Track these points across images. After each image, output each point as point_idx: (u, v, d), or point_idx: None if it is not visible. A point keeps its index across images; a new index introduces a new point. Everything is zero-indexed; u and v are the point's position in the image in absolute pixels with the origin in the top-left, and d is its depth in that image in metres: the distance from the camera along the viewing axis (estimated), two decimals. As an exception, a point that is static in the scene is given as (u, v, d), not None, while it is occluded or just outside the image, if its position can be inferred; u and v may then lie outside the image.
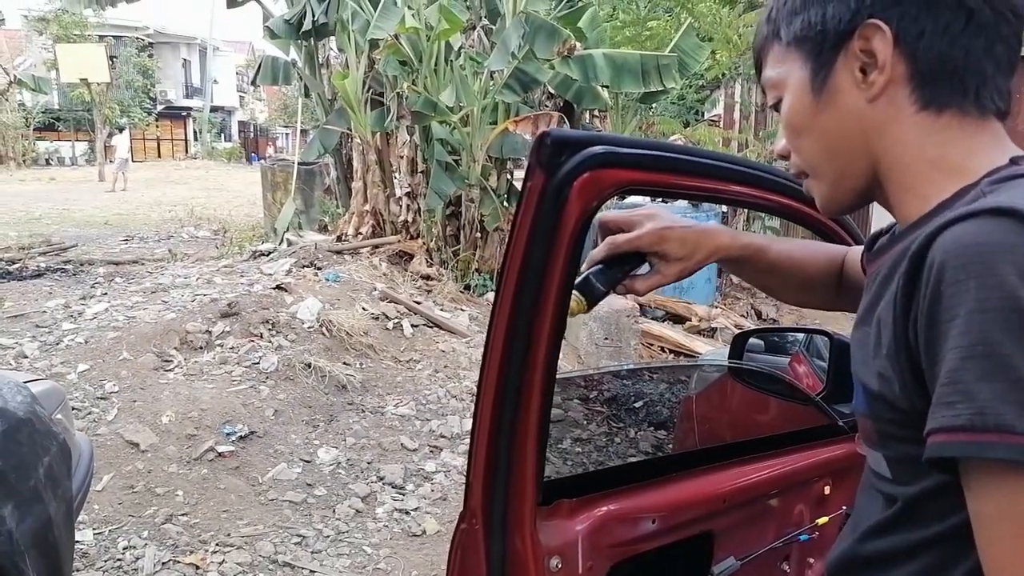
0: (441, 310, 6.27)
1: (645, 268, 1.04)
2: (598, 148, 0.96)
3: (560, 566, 1.16)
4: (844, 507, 1.70)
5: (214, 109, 38.13)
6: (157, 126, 34.36)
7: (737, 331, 5.52)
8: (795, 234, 9.10)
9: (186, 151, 35.79)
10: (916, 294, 0.68)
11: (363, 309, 5.66)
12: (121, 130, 22.33)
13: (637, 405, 5.21)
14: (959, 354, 0.63)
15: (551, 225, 0.96)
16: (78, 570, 2.86)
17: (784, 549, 1.59)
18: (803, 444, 1.66)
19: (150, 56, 32.55)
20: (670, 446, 4.07)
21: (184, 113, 36.59)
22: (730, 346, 2.00)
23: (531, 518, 1.12)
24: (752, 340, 2.24)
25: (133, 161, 23.44)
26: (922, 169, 0.79)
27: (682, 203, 7.68)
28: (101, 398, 4.10)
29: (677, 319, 7.07)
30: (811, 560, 1.67)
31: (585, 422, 4.82)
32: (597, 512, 1.22)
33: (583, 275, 1.05)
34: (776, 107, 0.87)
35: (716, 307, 7.48)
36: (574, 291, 1.03)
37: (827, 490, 1.67)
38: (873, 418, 0.79)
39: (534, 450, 1.09)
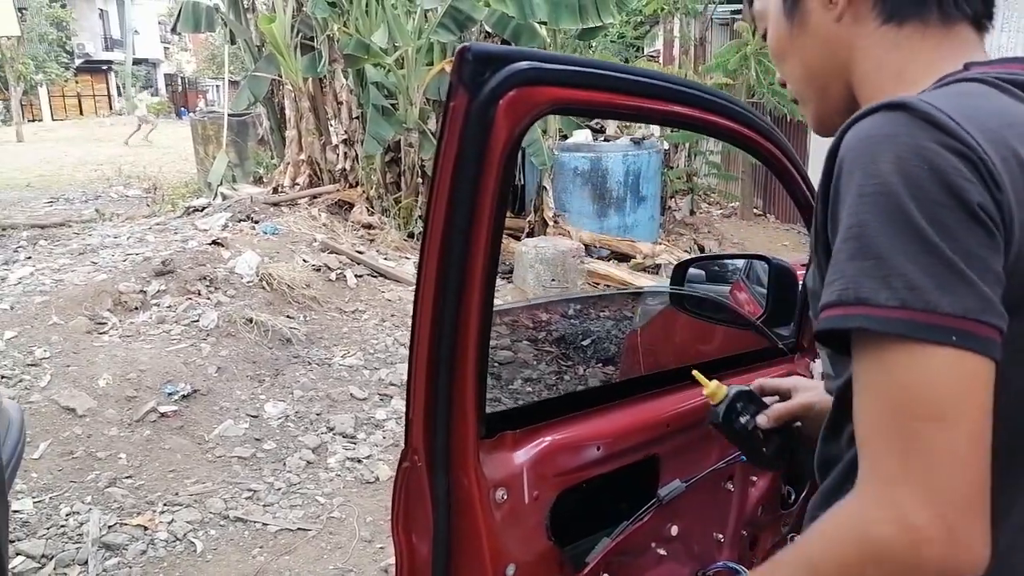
0: (385, 259, 6.18)
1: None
2: (523, 64, 0.91)
3: (506, 497, 1.15)
4: (784, 425, 1.74)
5: (137, 62, 36.29)
6: (77, 82, 32.65)
7: (680, 266, 5.58)
8: (736, 167, 9.19)
9: (110, 107, 34.14)
10: (830, 189, 0.70)
11: (304, 261, 5.54)
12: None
13: (585, 343, 5.27)
14: (840, 237, 0.67)
15: (479, 148, 0.90)
16: (19, 539, 2.78)
17: (728, 469, 1.62)
18: (743, 367, 1.68)
19: (63, 6, 30.64)
20: (616, 379, 4.13)
21: (105, 67, 34.79)
22: (671, 276, 2.00)
23: (474, 452, 1.10)
24: (693, 271, 2.24)
25: (53, 120, 22.25)
26: (886, 83, 0.79)
27: (624, 141, 7.67)
28: (32, 365, 3.93)
29: (622, 257, 7.13)
30: (754, 478, 1.71)
31: (535, 362, 4.86)
32: (541, 442, 1.21)
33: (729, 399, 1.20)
34: (765, 37, 0.92)
35: (660, 244, 7.55)
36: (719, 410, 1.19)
37: (768, 410, 1.70)
38: (815, 317, 0.78)
39: (474, 383, 1.07)
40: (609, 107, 1.07)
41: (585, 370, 4.72)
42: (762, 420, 1.19)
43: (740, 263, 2.57)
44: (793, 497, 1.83)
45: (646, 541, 1.47)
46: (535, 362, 4.82)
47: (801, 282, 1.82)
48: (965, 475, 0.63)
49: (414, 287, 1.03)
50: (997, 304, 0.63)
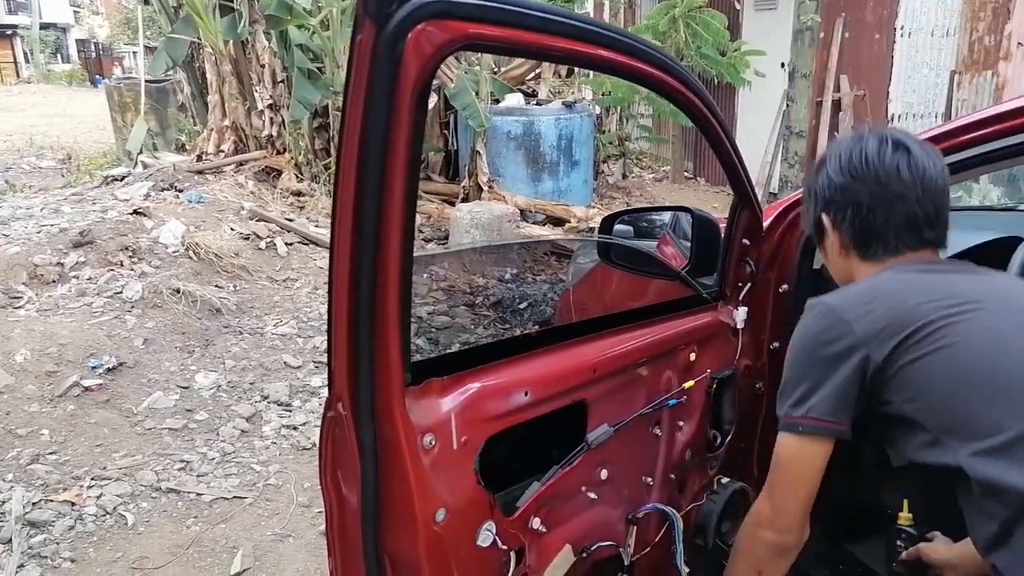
0: (316, 226, 6.07)
1: None
2: None
3: (434, 443, 1.15)
4: (708, 371, 1.79)
5: (44, 26, 34.22)
6: (-22, 47, 30.71)
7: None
8: (667, 130, 9.29)
9: (17, 75, 32.23)
10: None
11: (231, 230, 5.40)
12: None
13: (522, 307, 5.31)
14: None
15: (388, 85, 0.88)
16: (-64, 522, 2.67)
17: (655, 414, 1.66)
18: (669, 315, 1.71)
19: (-41, -34, 28.63)
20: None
21: (9, 32, 32.75)
22: (598, 227, 2.02)
23: (400, 398, 1.10)
24: (620, 227, 2.27)
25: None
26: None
27: (555, 104, 7.66)
28: (-59, 342, 3.75)
29: (557, 222, 7.17)
30: (681, 423, 1.76)
31: (472, 327, 4.87)
32: (468, 388, 1.21)
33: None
34: None
35: (593, 207, 7.61)
36: None
37: (692, 356, 1.74)
38: None
39: (396, 329, 1.05)
40: (528, 46, 1.05)
41: (522, 332, 4.76)
42: (911, 551, 1.63)
43: (666, 218, 2.60)
44: (719, 440, 1.90)
45: (576, 485, 1.50)
46: (472, 325, 4.84)
47: (723, 234, 1.87)
48: (789, 499, 1.31)
49: (330, 238, 1.01)
50: (824, 408, 1.23)
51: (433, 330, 4.67)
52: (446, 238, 6.44)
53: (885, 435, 1.29)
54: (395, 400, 1.09)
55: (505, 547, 1.30)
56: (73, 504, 2.86)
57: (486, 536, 1.26)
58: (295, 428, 3.51)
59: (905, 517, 1.65)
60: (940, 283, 1.26)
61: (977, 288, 1.25)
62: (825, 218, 1.36)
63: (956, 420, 1.17)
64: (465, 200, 7.03)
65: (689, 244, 2.06)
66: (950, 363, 1.17)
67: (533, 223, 7.01)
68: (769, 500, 1.33)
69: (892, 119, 8.62)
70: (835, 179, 1.34)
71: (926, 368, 1.17)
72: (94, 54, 37.91)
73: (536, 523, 1.38)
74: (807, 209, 1.43)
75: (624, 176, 9.23)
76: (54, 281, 4.43)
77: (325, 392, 3.51)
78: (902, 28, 8.34)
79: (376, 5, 0.86)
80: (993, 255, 2.14)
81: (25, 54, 33.08)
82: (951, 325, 1.17)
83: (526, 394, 1.30)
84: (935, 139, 1.57)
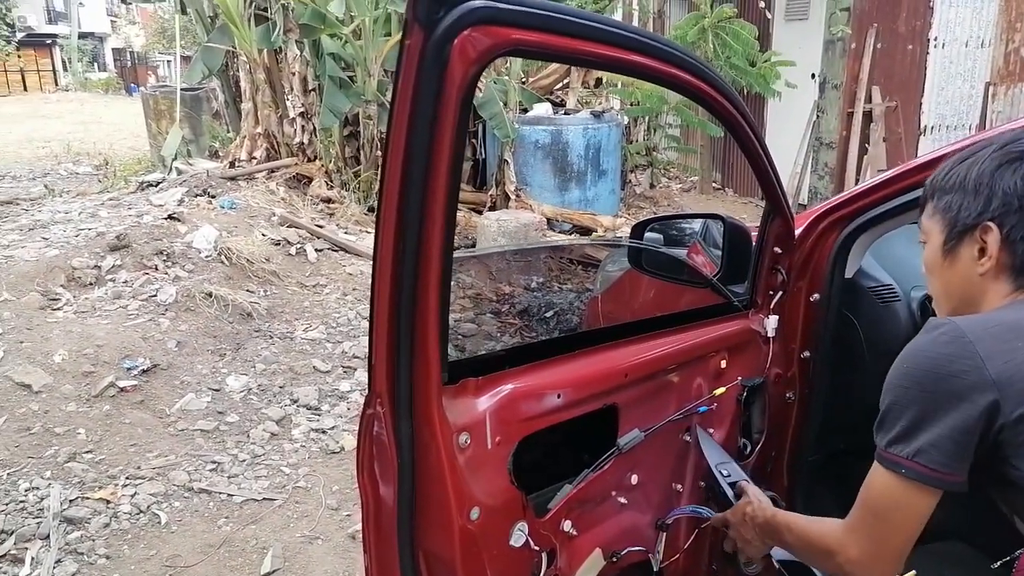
0: (345, 233, 6.13)
1: None
2: (479, 2, 0.91)
3: (469, 442, 1.17)
4: (739, 378, 1.78)
5: (83, 35, 35.08)
6: (19, 56, 31.44)
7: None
8: (695, 141, 9.26)
9: (56, 83, 32.97)
10: None
11: (263, 235, 5.47)
12: None
13: (548, 315, 5.32)
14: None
15: (434, 88, 0.90)
16: (-23, 516, 2.74)
17: (685, 421, 1.66)
18: (699, 322, 1.72)
19: (2, -23, 29.43)
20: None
21: (49, 41, 33.57)
22: (629, 233, 2.03)
23: (437, 397, 1.12)
24: (650, 235, 2.27)
25: (-4, 95, 21.33)
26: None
27: (583, 114, 7.68)
28: (-17, 342, 3.84)
29: (584, 231, 7.17)
30: (711, 430, 1.76)
31: (499, 334, 4.90)
32: (503, 389, 1.23)
33: None
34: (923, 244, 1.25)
35: (621, 217, 7.60)
36: None
37: (723, 364, 1.74)
38: None
39: (436, 329, 1.08)
40: (570, 53, 1.07)
41: (551, 337, 4.77)
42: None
43: (696, 227, 2.60)
44: (749, 449, 1.89)
45: (607, 489, 1.51)
46: (498, 333, 4.86)
47: (754, 242, 1.87)
48: (883, 548, 1.12)
49: (373, 240, 1.03)
50: (935, 454, 1.02)
51: (460, 337, 4.69)
52: (473, 246, 6.48)
53: (1009, 500, 1.11)
54: (433, 398, 1.11)
55: (537, 548, 1.31)
56: (108, 502, 2.91)
57: (519, 536, 1.27)
58: (324, 432, 3.55)
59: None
60: None
61: None
62: (993, 228, 1.10)
63: None
64: (492, 209, 7.07)
65: (719, 253, 2.05)
66: None
67: (560, 232, 7.02)
68: (857, 543, 1.14)
69: (924, 131, 8.52)
70: None
71: None
72: (130, 63, 38.69)
73: (567, 526, 1.39)
74: (951, 204, 1.15)
75: (652, 186, 9.21)
76: (91, 284, 4.53)
77: (353, 397, 3.56)
78: (935, 39, 8.25)
79: (425, 11, 0.89)
80: None
81: (63, 63, 33.84)
82: None
83: (559, 396, 1.32)
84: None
